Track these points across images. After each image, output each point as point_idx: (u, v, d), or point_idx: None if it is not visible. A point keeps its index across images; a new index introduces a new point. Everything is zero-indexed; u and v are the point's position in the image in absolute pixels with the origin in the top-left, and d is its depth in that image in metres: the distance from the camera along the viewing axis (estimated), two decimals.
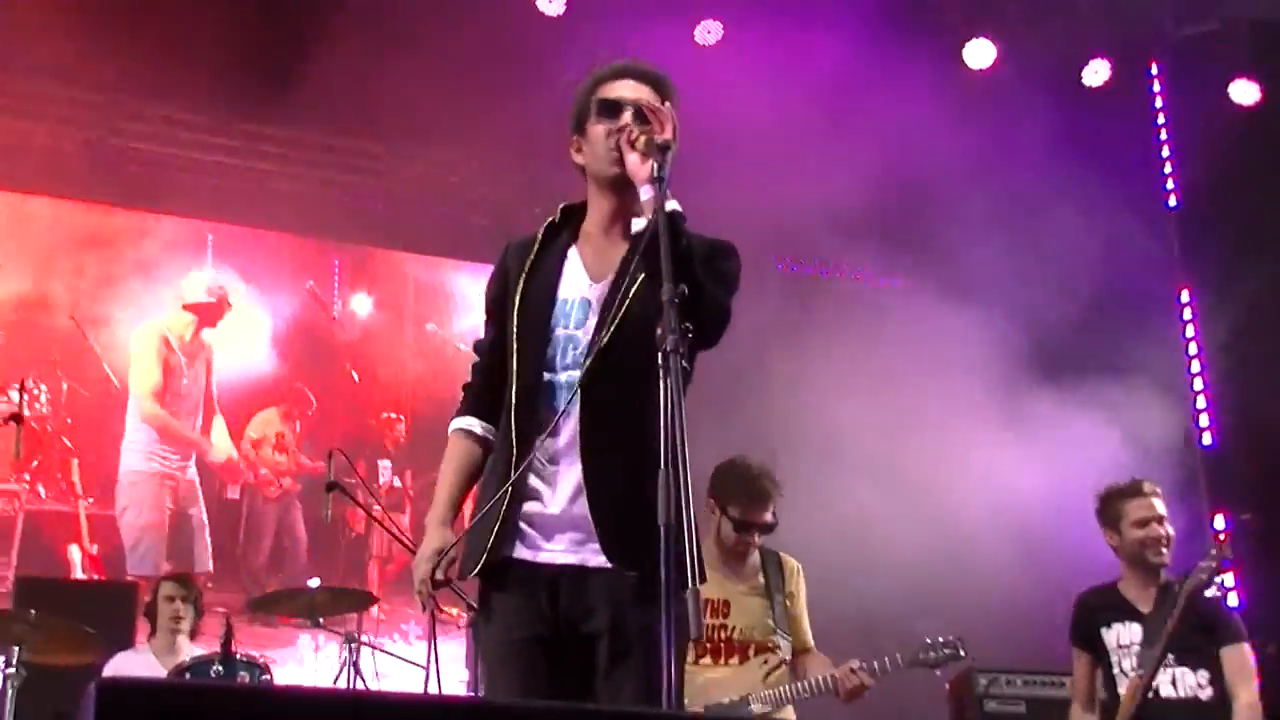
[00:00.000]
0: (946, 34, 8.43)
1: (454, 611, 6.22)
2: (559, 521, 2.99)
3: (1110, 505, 4.94)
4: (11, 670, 5.40)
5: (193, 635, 6.27)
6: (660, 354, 2.59)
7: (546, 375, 3.03)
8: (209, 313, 8.86)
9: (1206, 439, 8.08)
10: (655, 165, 2.83)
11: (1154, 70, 8.58)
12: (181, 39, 7.74)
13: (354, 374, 9.21)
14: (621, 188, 3.07)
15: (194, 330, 8.81)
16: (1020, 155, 8.28)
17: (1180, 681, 4.69)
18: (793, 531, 5.44)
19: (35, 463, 8.14)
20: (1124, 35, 8.40)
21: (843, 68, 7.95)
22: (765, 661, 4.96)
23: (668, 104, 3.10)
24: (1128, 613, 4.83)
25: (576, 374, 2.99)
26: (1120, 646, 4.80)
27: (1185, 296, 8.30)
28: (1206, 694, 4.66)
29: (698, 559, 2.48)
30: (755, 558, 5.11)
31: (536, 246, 3.15)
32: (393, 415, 9.27)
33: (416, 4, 7.84)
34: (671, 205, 2.82)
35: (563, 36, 7.74)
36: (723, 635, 4.97)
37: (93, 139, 8.49)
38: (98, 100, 8.47)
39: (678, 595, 2.48)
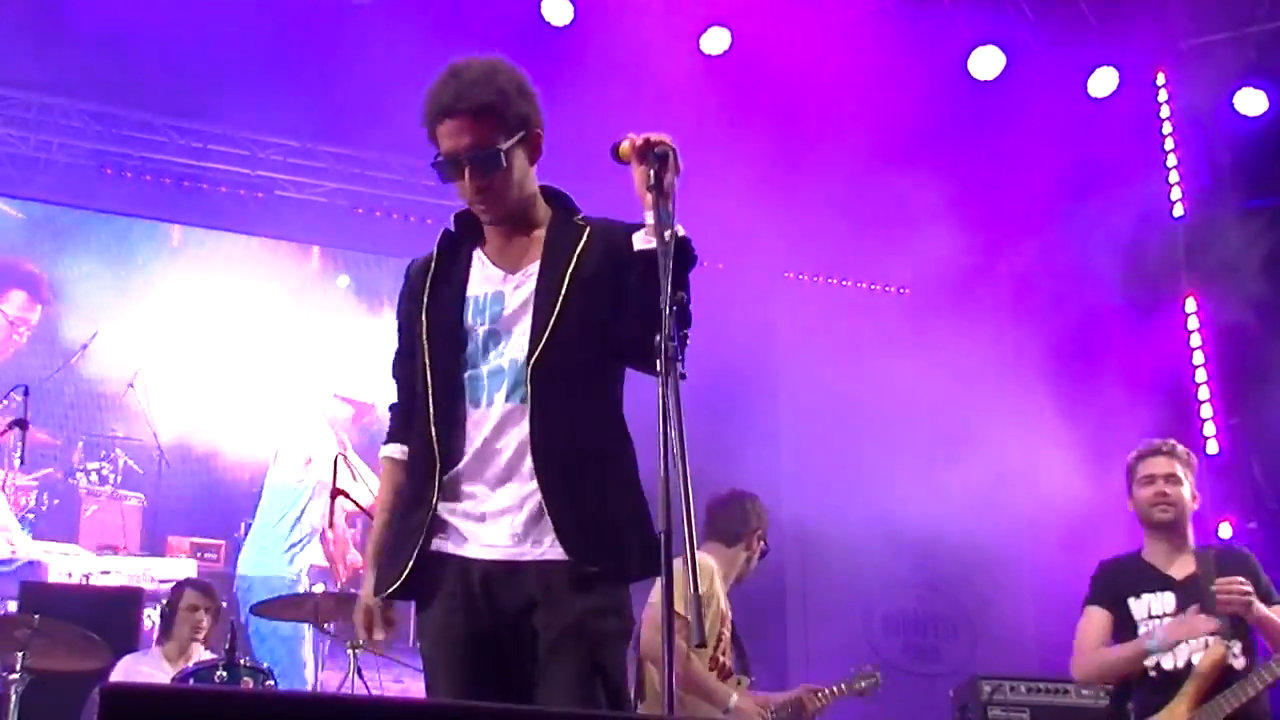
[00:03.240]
0: (953, 42, 8.42)
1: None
2: (492, 514, 2.94)
3: (1129, 470, 4.84)
4: (15, 676, 5.40)
5: (205, 642, 6.30)
6: (659, 361, 2.60)
7: (467, 371, 2.99)
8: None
9: (1212, 447, 8.05)
10: (651, 173, 2.82)
11: (1160, 79, 8.56)
12: None
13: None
14: (510, 218, 3.07)
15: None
16: (1026, 164, 8.28)
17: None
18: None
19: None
20: (1130, 44, 8.40)
21: (851, 75, 7.96)
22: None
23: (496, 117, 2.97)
24: (1158, 581, 4.68)
25: (500, 363, 2.97)
26: (1152, 617, 4.64)
27: (1191, 304, 8.28)
28: (1240, 663, 4.53)
29: (696, 564, 2.47)
30: None
31: (435, 256, 3.12)
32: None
33: (420, 17, 7.85)
34: (678, 230, 2.80)
35: (570, 47, 7.75)
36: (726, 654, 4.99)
37: None
38: None
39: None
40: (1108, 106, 8.43)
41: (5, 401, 5.94)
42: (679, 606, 2.77)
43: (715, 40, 8.23)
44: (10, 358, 8.55)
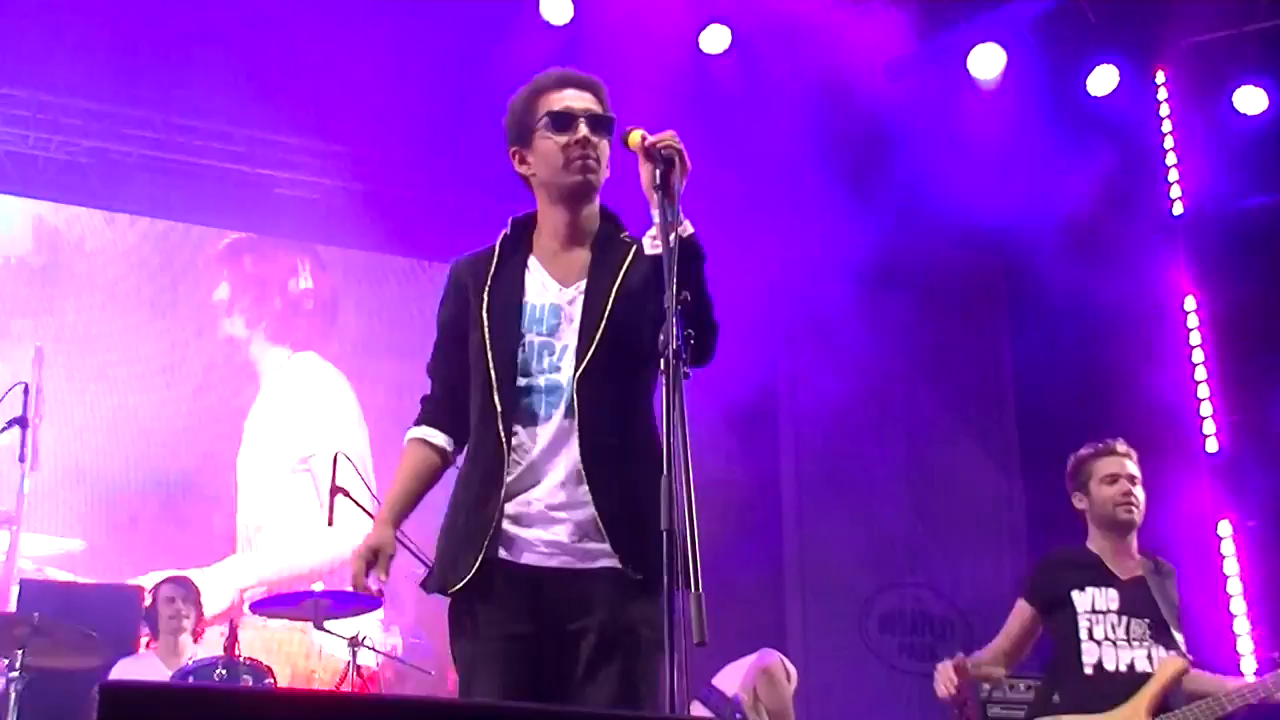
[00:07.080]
0: (954, 40, 8.42)
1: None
2: (543, 521, 2.99)
3: (1080, 467, 4.79)
4: (15, 674, 5.39)
5: (194, 637, 6.28)
6: (663, 360, 2.60)
7: (523, 380, 3.04)
8: None
9: (1212, 446, 8.06)
10: (658, 173, 2.83)
11: (1160, 79, 8.56)
12: None
13: None
14: (579, 198, 3.12)
15: None
16: (1025, 162, 8.28)
17: (1154, 659, 4.51)
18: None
19: None
20: (1130, 43, 8.40)
21: (851, 73, 7.96)
22: None
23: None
24: (1104, 576, 4.63)
25: (556, 378, 3.02)
26: (1094, 611, 4.57)
27: (1191, 304, 8.29)
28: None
29: (698, 565, 2.48)
30: None
31: (496, 259, 3.15)
32: None
33: (420, 15, 7.84)
34: (686, 228, 2.82)
35: (569, 46, 7.74)
36: None
37: None
38: None
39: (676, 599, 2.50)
40: (1108, 105, 8.43)
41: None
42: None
43: (715, 38, 8.22)
44: None
